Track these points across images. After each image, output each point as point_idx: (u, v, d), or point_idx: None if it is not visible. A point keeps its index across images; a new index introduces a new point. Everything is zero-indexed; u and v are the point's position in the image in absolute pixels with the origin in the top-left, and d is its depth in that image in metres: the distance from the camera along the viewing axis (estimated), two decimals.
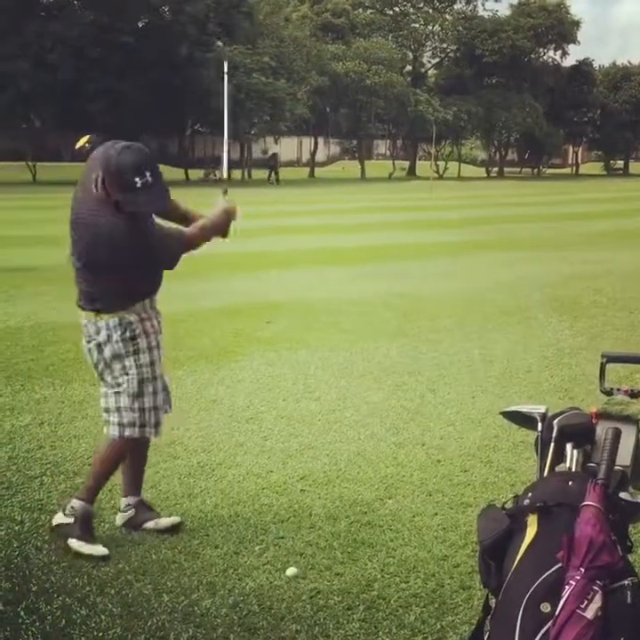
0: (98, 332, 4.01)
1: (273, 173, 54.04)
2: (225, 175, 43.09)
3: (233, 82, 50.61)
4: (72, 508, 4.12)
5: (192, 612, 3.54)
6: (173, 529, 4.28)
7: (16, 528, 4.33)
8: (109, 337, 3.99)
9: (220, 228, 4.25)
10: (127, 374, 4.02)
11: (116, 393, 4.06)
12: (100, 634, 3.38)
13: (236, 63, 50.99)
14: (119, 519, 4.38)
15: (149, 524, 4.30)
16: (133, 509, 4.34)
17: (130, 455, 4.34)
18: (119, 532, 4.27)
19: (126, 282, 3.94)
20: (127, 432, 4.07)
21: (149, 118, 51.92)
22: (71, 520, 4.10)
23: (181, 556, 4.05)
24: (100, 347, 4.02)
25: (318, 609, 3.56)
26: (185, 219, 4.27)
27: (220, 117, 52.74)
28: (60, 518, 4.15)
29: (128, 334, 3.98)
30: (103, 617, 3.50)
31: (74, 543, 4.04)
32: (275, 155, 56.40)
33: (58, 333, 8.56)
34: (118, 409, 4.07)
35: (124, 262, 3.84)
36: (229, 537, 4.25)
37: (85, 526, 4.10)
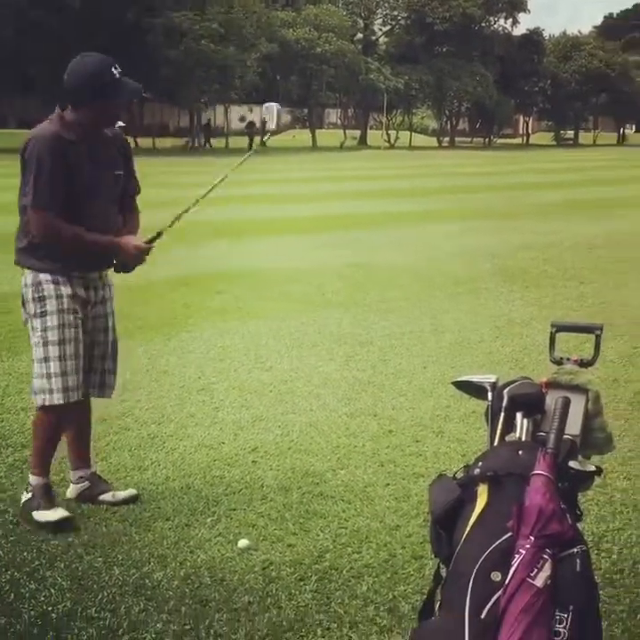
0: (23, 287, 4.00)
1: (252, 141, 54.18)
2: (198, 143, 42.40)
3: (181, 48, 49.92)
4: (29, 484, 4.12)
5: (143, 585, 3.52)
6: (130, 501, 4.25)
7: None
8: (25, 294, 3.96)
9: (112, 247, 4.03)
10: (34, 337, 3.96)
11: (33, 360, 4.02)
12: (50, 608, 3.35)
13: (184, 30, 50.21)
14: (71, 491, 4.33)
15: (106, 497, 4.26)
16: (87, 482, 4.31)
17: (70, 426, 4.29)
18: (68, 506, 4.22)
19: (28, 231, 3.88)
20: (38, 399, 4.01)
21: None
22: (31, 495, 4.09)
23: (132, 529, 4.02)
24: (22, 304, 4.01)
25: (270, 580, 3.56)
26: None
27: (169, 85, 52.22)
28: (23, 496, 4.13)
29: (37, 294, 3.92)
30: (53, 591, 3.46)
31: (36, 515, 4.02)
32: (252, 123, 56.43)
33: (6, 304, 8.39)
34: (35, 376, 4.02)
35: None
36: (181, 509, 4.23)
37: (44, 496, 4.08)
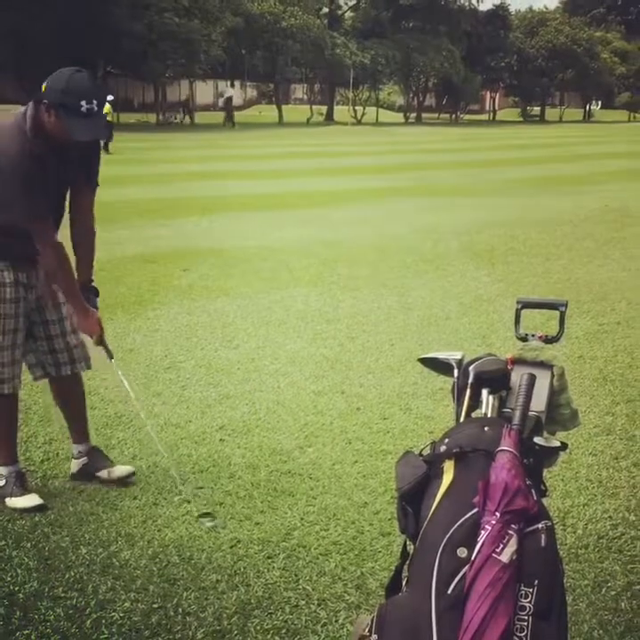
0: None
1: (228, 116, 55.01)
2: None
3: (145, 21, 49.27)
4: (1, 474, 4.09)
5: (111, 564, 3.52)
6: (125, 479, 4.24)
7: None
8: None
9: (76, 308, 4.00)
10: None
11: None
12: (17, 588, 3.33)
13: (147, 3, 49.53)
14: (73, 466, 4.34)
15: (102, 473, 4.26)
16: (85, 457, 4.30)
17: (57, 405, 4.32)
18: (35, 485, 4.19)
19: None
20: None
21: (59, 59, 50.16)
22: (3, 482, 4.07)
23: (99, 508, 4.01)
24: None
25: (238, 558, 3.57)
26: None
27: (134, 59, 51.60)
28: None
29: None
30: (19, 571, 3.45)
31: (9, 502, 4.00)
32: (230, 98, 56.57)
33: None
34: None
35: None
36: (148, 488, 4.22)
37: (17, 482, 4.05)
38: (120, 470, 4.29)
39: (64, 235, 3.97)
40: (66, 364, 4.16)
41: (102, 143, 29.93)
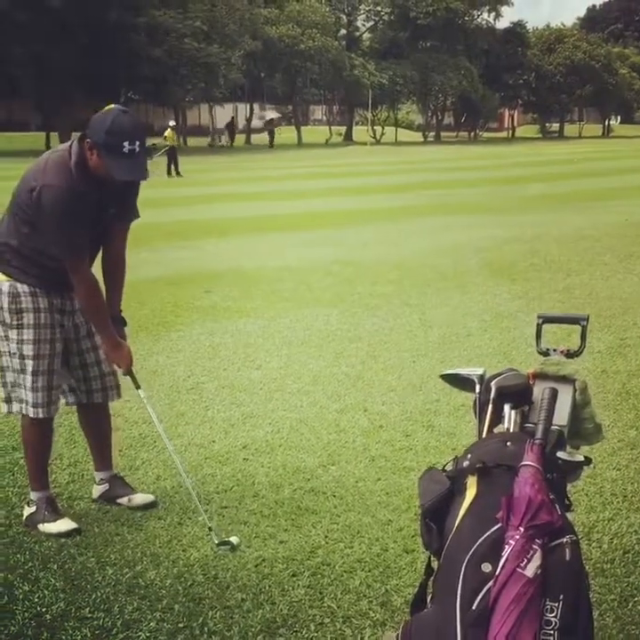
0: None
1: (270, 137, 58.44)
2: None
3: (164, 47, 49.82)
4: (31, 499, 4.11)
5: (136, 584, 3.53)
6: (146, 508, 4.24)
7: None
8: (0, 302, 3.92)
9: (107, 341, 4.05)
10: (7, 345, 3.95)
11: (1, 367, 4.02)
12: (44, 609, 3.35)
13: (167, 28, 50.09)
14: (95, 492, 4.37)
15: (122, 500, 4.27)
16: (107, 484, 4.33)
17: (84, 431, 4.36)
18: (62, 507, 4.22)
19: (26, 245, 3.84)
20: (14, 407, 4.02)
21: (79, 85, 50.80)
22: (34, 509, 4.08)
23: (124, 529, 4.03)
24: None
25: (263, 577, 3.57)
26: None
27: (153, 84, 52.16)
28: (26, 511, 4.11)
29: (14, 306, 3.89)
30: (46, 592, 3.47)
31: (42, 528, 4.01)
32: (271, 120, 58.26)
33: None
34: (4, 384, 4.03)
35: (32, 221, 3.75)
36: (173, 508, 4.23)
37: (49, 508, 4.07)
38: (140, 498, 4.30)
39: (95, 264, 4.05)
40: (97, 391, 4.20)
41: (173, 168, 30.05)
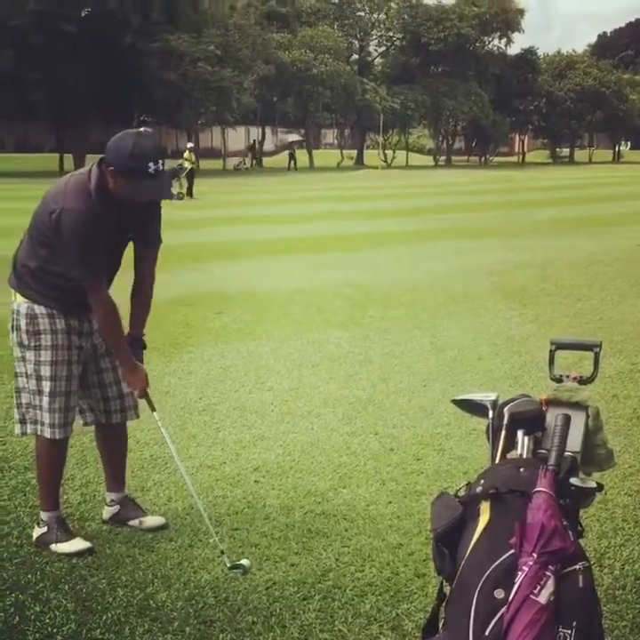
0: (14, 313, 3.99)
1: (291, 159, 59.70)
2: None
3: (178, 71, 50.23)
4: (42, 519, 4.12)
5: (147, 606, 3.53)
6: (156, 530, 4.24)
7: None
8: (18, 322, 3.96)
9: (123, 363, 4.07)
10: (25, 367, 3.98)
11: (17, 388, 4.05)
12: (55, 630, 3.36)
13: (181, 52, 50.52)
14: (105, 513, 4.38)
15: (134, 522, 4.28)
16: (118, 505, 4.34)
17: (100, 450, 4.37)
18: (72, 527, 4.23)
19: (44, 267, 3.87)
20: (28, 428, 4.04)
21: (94, 108, 51.25)
22: (45, 529, 4.08)
23: (135, 550, 4.04)
24: (12, 330, 4.01)
25: (274, 600, 3.57)
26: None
27: (166, 107, 52.59)
28: (36, 531, 4.12)
29: (31, 328, 3.93)
30: (57, 613, 3.47)
31: (55, 548, 4.02)
32: (292, 143, 59.47)
33: (3, 327, 8.41)
34: (19, 405, 4.05)
35: (51, 243, 3.79)
36: (183, 530, 4.24)
37: (60, 529, 4.08)
38: (151, 521, 4.30)
39: (120, 285, 4.08)
40: (117, 412, 4.22)
41: (189, 190, 30.28)
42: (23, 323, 3.93)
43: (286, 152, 69.90)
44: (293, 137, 63.36)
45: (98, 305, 3.87)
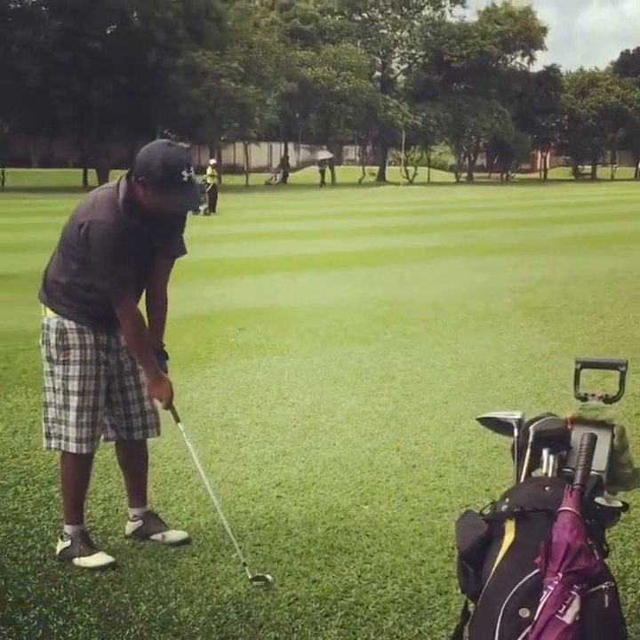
0: (44, 328, 4.02)
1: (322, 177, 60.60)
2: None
3: (201, 88, 50.62)
4: (65, 533, 4.14)
5: (170, 621, 3.53)
6: (179, 544, 4.25)
7: None
8: (48, 337, 3.99)
9: (149, 375, 4.10)
10: (52, 381, 4.01)
11: (45, 403, 4.07)
12: None
13: (204, 69, 50.92)
14: (128, 528, 4.40)
15: (156, 537, 4.29)
16: (141, 520, 4.35)
17: (121, 466, 4.39)
18: (95, 541, 4.25)
19: (75, 281, 3.91)
20: (53, 443, 4.07)
21: (118, 124, 51.74)
22: (68, 542, 4.10)
23: (158, 565, 4.05)
24: (42, 345, 4.04)
25: (296, 616, 3.57)
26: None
27: (190, 123, 52.99)
28: (60, 545, 4.14)
29: (60, 342, 3.96)
30: (80, 627, 3.48)
31: (78, 562, 4.04)
32: (323, 160, 60.36)
33: (29, 341, 8.48)
34: (46, 419, 4.08)
35: (80, 257, 3.83)
36: (206, 545, 4.25)
37: (83, 543, 4.10)
38: (174, 535, 4.31)
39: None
40: (138, 429, 4.25)
41: (212, 206, 30.50)
42: (53, 337, 3.96)
43: (309, 168, 70.34)
44: (324, 154, 63.78)
45: (125, 316, 3.89)
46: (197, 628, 3.48)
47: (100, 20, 49.61)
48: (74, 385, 3.96)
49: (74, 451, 4.01)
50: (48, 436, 4.08)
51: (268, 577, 3.82)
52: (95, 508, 4.70)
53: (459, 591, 3.35)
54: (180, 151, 3.78)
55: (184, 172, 3.70)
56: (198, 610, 3.62)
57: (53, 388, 4.02)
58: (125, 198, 3.77)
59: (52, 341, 3.97)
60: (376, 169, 74.20)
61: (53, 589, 3.80)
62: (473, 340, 9.14)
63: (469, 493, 4.89)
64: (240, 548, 4.04)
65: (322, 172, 61.02)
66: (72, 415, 3.97)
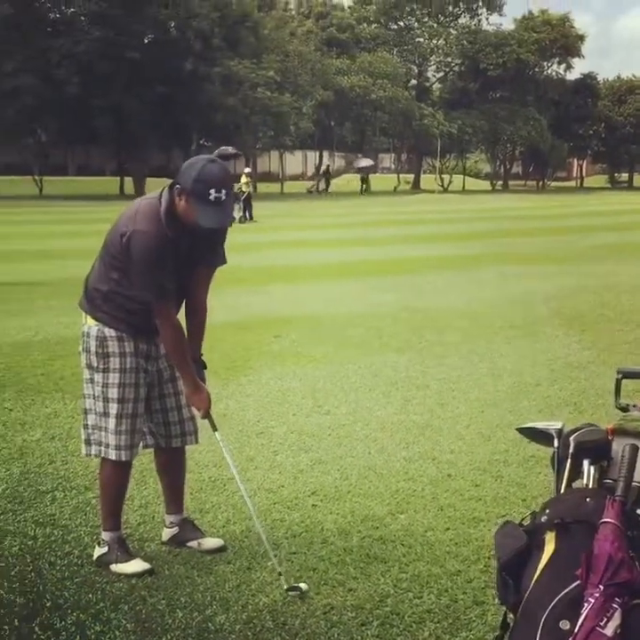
0: (84, 335, 4.04)
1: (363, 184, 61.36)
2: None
3: (238, 96, 50.95)
4: (103, 539, 4.17)
5: (206, 628, 3.54)
6: (215, 552, 4.26)
7: (29, 543, 4.34)
8: (88, 345, 4.02)
9: (188, 384, 4.10)
10: (92, 389, 4.04)
11: (84, 409, 4.10)
12: None
13: (240, 78, 51.25)
14: (164, 535, 4.42)
15: (192, 544, 4.31)
16: (177, 527, 4.37)
17: (159, 473, 4.42)
18: (132, 548, 4.27)
19: (115, 290, 3.93)
20: (93, 449, 4.10)
21: (155, 133, 52.18)
22: (106, 549, 4.13)
23: (194, 572, 4.06)
24: (82, 352, 4.06)
25: (332, 625, 3.56)
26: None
27: (225, 132, 53.31)
28: (97, 551, 4.17)
29: (101, 350, 3.98)
30: (117, 633, 3.50)
31: (115, 568, 4.06)
32: (363, 168, 62.00)
33: (67, 347, 8.57)
34: (85, 426, 4.10)
35: (122, 266, 3.85)
36: (242, 552, 4.25)
37: (120, 549, 4.12)
38: (210, 542, 4.32)
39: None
40: (177, 436, 4.27)
41: (246, 214, 30.76)
42: (93, 345, 4.00)
43: (343, 176, 70.46)
44: (365, 162, 63.96)
45: (164, 325, 3.91)
46: (233, 636, 3.48)
47: (138, 29, 50.14)
48: (113, 392, 3.98)
49: (113, 458, 4.03)
50: (88, 442, 4.11)
51: (303, 586, 3.82)
52: (132, 514, 4.72)
53: (495, 601, 3.33)
54: (220, 170, 3.74)
55: (212, 191, 3.66)
56: (234, 617, 3.62)
57: (93, 395, 4.05)
58: (166, 208, 3.80)
59: (93, 349, 4.00)
60: (411, 177, 74.13)
61: (90, 595, 3.81)
62: (509, 348, 9.09)
63: (505, 503, 4.85)
64: (275, 556, 4.04)
65: (363, 180, 61.38)
66: (112, 422, 4.00)
